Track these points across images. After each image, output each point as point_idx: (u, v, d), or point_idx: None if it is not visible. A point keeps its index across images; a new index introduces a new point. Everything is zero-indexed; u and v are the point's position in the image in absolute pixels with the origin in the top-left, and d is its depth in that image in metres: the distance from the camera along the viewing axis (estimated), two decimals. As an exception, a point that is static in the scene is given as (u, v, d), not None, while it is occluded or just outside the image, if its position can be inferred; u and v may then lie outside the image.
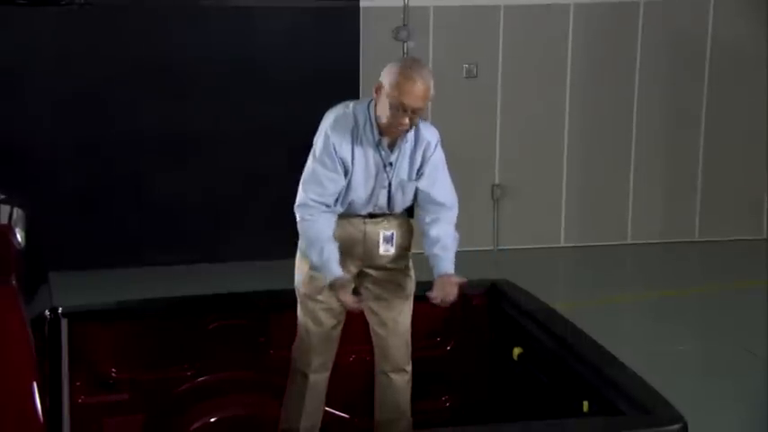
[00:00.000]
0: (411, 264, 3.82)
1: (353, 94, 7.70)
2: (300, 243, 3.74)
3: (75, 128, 7.39)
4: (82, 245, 7.46)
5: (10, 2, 7.11)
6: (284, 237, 7.60)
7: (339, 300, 3.60)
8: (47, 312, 3.59)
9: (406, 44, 7.82)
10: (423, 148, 3.64)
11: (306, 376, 3.77)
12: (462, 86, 7.82)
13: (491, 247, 8.13)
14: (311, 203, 3.58)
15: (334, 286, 3.55)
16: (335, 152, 3.52)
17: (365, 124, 3.56)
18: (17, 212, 3.14)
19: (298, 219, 3.65)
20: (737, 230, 8.48)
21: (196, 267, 7.42)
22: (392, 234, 3.69)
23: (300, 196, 3.63)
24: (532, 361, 3.75)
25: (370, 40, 7.74)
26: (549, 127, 8.18)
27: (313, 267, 3.62)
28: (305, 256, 3.71)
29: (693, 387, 5.20)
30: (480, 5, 7.92)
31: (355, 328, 3.83)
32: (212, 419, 3.95)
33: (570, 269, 8.10)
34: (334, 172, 3.54)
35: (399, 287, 3.78)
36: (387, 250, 3.70)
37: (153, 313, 4.00)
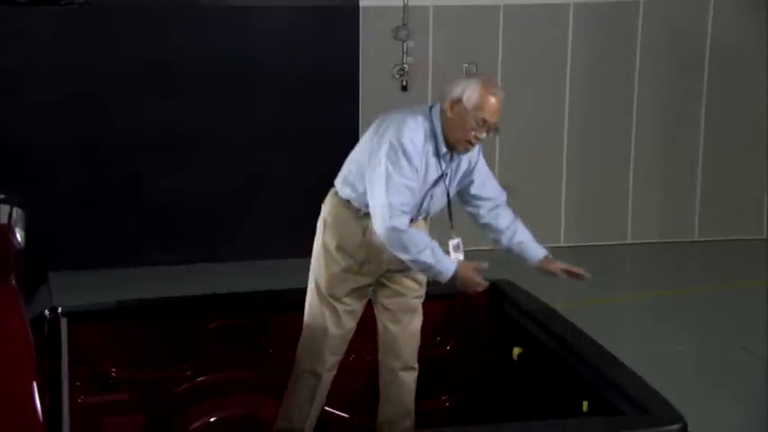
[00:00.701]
0: None
1: (353, 94, 7.72)
2: (327, 240, 3.70)
3: (75, 127, 7.38)
4: (81, 244, 7.46)
5: (10, 2, 7.11)
6: (284, 237, 7.64)
7: (472, 284, 3.56)
8: (46, 312, 3.59)
9: (405, 44, 7.82)
10: (469, 154, 3.71)
11: (319, 376, 3.78)
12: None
13: (491, 247, 8.12)
14: (399, 213, 3.51)
15: (461, 274, 3.53)
16: (413, 162, 3.52)
17: (431, 135, 3.57)
18: (17, 212, 3.14)
19: (390, 230, 3.48)
20: (737, 230, 8.48)
21: (196, 267, 7.42)
22: (459, 242, 3.74)
23: (387, 207, 3.48)
24: (532, 361, 3.75)
25: (370, 39, 7.74)
26: (549, 126, 8.18)
27: (424, 270, 3.57)
28: (333, 256, 3.69)
29: (693, 387, 5.20)
30: (480, 5, 7.92)
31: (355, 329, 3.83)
32: (212, 419, 3.95)
33: (570, 269, 8.09)
34: (414, 181, 3.54)
35: (418, 284, 3.83)
36: (458, 258, 3.73)
37: (152, 313, 4.00)
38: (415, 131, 3.53)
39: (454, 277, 3.55)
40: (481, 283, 3.61)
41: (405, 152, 3.50)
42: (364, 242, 3.67)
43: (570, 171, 8.28)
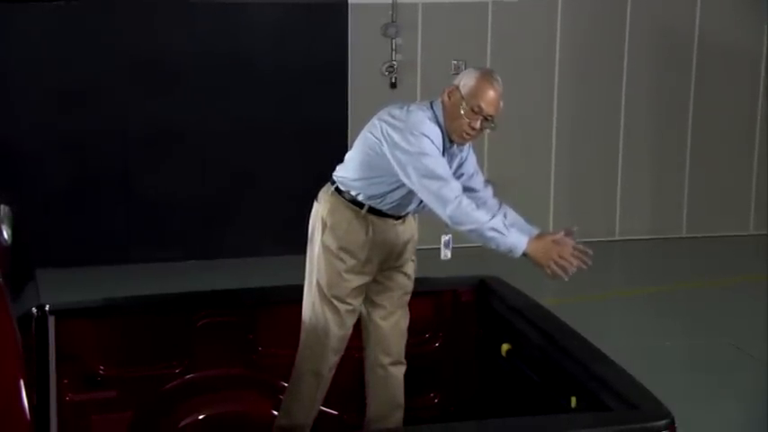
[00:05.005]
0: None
1: (342, 91, 7.72)
2: (328, 241, 3.64)
3: (63, 124, 7.36)
4: (69, 242, 7.44)
5: (-3, -1, 7.08)
6: (274, 233, 7.63)
7: (566, 257, 3.35)
8: (34, 310, 3.58)
9: (394, 41, 7.82)
10: (461, 148, 3.69)
11: (321, 376, 3.77)
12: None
13: (480, 244, 8.13)
14: (454, 179, 3.46)
15: (536, 249, 3.38)
16: (438, 149, 3.49)
17: (439, 127, 3.56)
18: (4, 209, 3.13)
19: (459, 200, 3.40)
20: (724, 226, 8.52)
21: (185, 264, 7.41)
22: (450, 238, 3.73)
23: (448, 192, 3.40)
24: (521, 357, 3.76)
25: (359, 36, 7.74)
26: (538, 123, 8.19)
27: (494, 241, 3.43)
28: (336, 257, 3.64)
29: (681, 382, 5.22)
30: (468, 2, 7.92)
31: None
32: (201, 416, 3.95)
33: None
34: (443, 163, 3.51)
35: (409, 279, 3.84)
36: (446, 255, 3.73)
37: (141, 310, 3.99)
38: (429, 123, 3.52)
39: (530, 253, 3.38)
40: (565, 262, 3.35)
41: (429, 139, 3.47)
42: (368, 240, 3.65)
43: (559, 168, 8.30)
